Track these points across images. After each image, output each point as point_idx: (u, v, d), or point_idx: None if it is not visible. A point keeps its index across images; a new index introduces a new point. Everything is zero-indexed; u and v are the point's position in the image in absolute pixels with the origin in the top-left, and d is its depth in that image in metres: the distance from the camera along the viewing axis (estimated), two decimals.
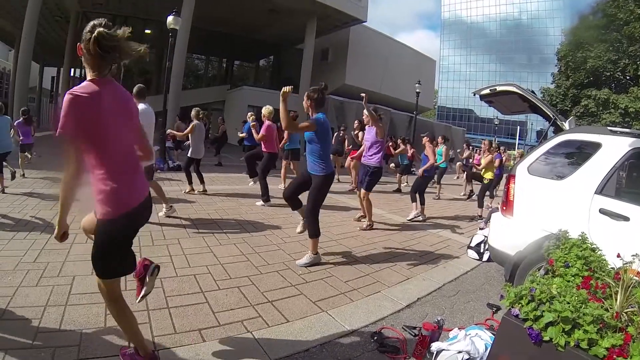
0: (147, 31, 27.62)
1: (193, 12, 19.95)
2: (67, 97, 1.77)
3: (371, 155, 6.22)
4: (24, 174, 8.27)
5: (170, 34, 13.62)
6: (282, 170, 9.29)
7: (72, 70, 30.15)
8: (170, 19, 13.20)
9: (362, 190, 6.17)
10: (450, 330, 2.74)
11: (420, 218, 7.38)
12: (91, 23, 1.89)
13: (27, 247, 3.89)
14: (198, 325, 2.70)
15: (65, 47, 27.07)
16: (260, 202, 7.19)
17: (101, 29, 1.83)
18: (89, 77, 1.92)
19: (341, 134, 11.84)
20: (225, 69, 36.53)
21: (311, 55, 25.29)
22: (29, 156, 8.97)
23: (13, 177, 7.47)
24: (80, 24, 26.50)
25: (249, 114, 11.48)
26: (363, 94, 6.16)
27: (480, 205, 8.76)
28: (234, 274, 3.69)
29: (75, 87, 1.84)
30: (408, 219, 7.30)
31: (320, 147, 4.19)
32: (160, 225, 5.10)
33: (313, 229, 4.23)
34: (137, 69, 32.33)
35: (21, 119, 8.92)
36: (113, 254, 1.97)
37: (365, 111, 6.27)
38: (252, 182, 8.57)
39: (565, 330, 1.68)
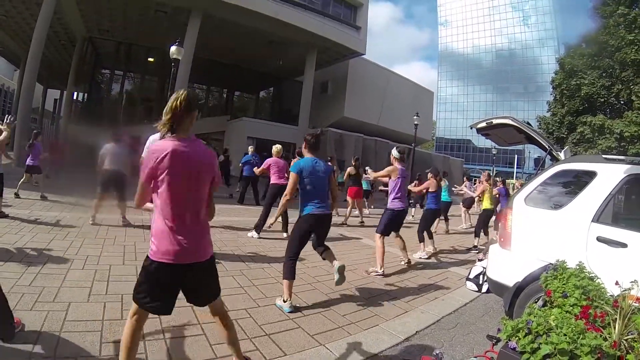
0: (150, 59, 28.21)
1: (195, 43, 20.45)
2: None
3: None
4: (17, 193, 8.38)
5: (172, 63, 13.90)
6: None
7: (75, 93, 30.68)
8: (173, 49, 13.49)
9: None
10: None
11: (424, 255, 7.20)
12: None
13: (23, 270, 3.86)
14: (195, 358, 2.67)
15: (70, 71, 27.58)
16: (252, 233, 7.18)
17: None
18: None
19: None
20: (225, 100, 37.12)
21: (311, 87, 25.72)
22: (34, 180, 9.16)
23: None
24: (86, 49, 27.14)
25: (250, 147, 11.78)
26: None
27: (477, 235, 8.73)
28: (231, 306, 3.63)
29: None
30: (416, 255, 7.05)
31: (301, 188, 4.08)
32: None
33: (284, 270, 3.94)
34: (139, 96, 32.85)
35: (32, 141, 9.29)
36: (143, 285, 2.15)
37: (392, 151, 6.07)
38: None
39: None
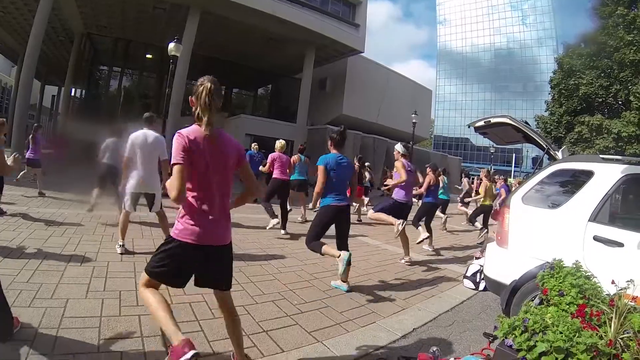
0: (148, 56, 28.14)
1: (194, 40, 20.41)
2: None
3: None
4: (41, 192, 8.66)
5: (171, 60, 13.86)
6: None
7: (73, 90, 30.66)
8: (171, 45, 13.46)
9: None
10: None
11: (430, 249, 7.38)
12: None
13: (21, 266, 3.85)
14: None
15: (68, 67, 27.53)
16: (274, 224, 7.42)
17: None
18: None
19: None
20: (223, 97, 37.03)
21: (309, 85, 25.66)
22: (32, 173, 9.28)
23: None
24: (84, 46, 27.07)
25: (254, 144, 11.77)
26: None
27: (471, 222, 9.11)
28: None
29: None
30: (417, 242, 6.94)
31: (329, 182, 4.36)
32: None
33: (315, 249, 4.45)
34: (137, 93, 32.81)
35: (34, 133, 9.40)
36: (160, 261, 2.19)
37: (397, 147, 6.25)
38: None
39: (559, 359, 1.67)
